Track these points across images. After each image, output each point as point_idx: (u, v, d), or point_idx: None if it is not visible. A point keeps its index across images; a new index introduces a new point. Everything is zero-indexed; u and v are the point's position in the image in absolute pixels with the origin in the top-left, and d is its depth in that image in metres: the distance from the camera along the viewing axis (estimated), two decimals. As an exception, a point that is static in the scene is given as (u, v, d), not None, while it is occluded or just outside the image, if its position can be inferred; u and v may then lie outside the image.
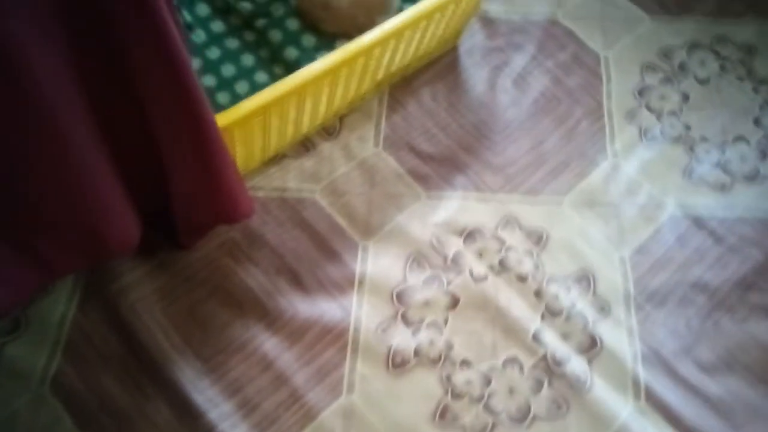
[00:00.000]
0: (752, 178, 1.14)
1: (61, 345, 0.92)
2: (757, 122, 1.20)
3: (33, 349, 0.91)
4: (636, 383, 0.96)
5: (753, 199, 1.12)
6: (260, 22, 1.17)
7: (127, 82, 0.66)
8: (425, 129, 1.15)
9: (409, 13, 0.98)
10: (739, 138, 1.18)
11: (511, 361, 0.97)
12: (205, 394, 0.90)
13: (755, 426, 0.93)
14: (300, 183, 1.08)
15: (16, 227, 0.73)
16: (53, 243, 0.78)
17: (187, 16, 1.17)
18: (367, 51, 0.95)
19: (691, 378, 0.96)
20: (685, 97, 1.23)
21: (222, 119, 0.82)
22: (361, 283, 1.01)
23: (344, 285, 1.00)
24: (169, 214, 0.92)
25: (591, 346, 0.98)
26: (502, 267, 1.04)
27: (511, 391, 0.95)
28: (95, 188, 0.75)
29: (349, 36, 1.15)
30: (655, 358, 0.97)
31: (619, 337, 0.99)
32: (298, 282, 0.99)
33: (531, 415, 0.93)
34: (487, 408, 0.93)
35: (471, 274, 1.03)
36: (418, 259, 1.04)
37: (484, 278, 1.03)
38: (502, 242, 1.06)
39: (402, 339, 0.97)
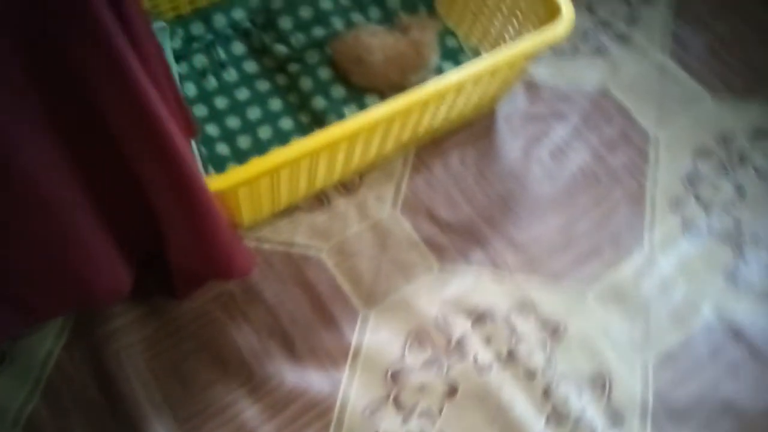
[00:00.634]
0: (807, 291, 1.02)
1: (42, 385, 0.90)
2: (820, 228, 1.08)
3: (14, 384, 0.90)
4: None
5: (805, 316, 1.00)
6: (293, 67, 1.14)
7: (112, 147, 0.63)
8: (448, 195, 1.09)
9: (444, 80, 0.90)
10: (797, 244, 1.06)
11: (505, 466, 0.89)
12: (176, 457, 0.87)
13: None
14: (308, 239, 1.03)
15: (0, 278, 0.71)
16: (38, 291, 0.76)
17: (222, 54, 1.15)
18: (388, 120, 0.89)
19: None
20: (741, 191, 1.12)
21: (222, 181, 0.78)
22: (355, 356, 0.95)
23: (337, 356, 0.95)
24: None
25: (596, 463, 0.89)
26: (510, 357, 0.96)
27: (500, 501, 0.87)
28: (82, 244, 0.73)
29: (380, 92, 1.12)
30: (667, 487, 0.87)
31: (630, 456, 0.89)
32: (289, 347, 0.94)
33: None
34: None
35: (475, 361, 0.95)
36: (420, 337, 0.97)
37: (489, 368, 0.95)
38: (513, 329, 0.98)
39: (390, 425, 0.90)
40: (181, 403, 0.89)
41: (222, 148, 1.08)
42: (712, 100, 1.22)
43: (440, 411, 0.92)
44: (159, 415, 0.88)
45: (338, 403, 0.91)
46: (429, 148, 1.13)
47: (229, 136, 1.10)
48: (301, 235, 1.04)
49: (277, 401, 0.91)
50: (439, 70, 1.15)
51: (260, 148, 1.09)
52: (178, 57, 1.14)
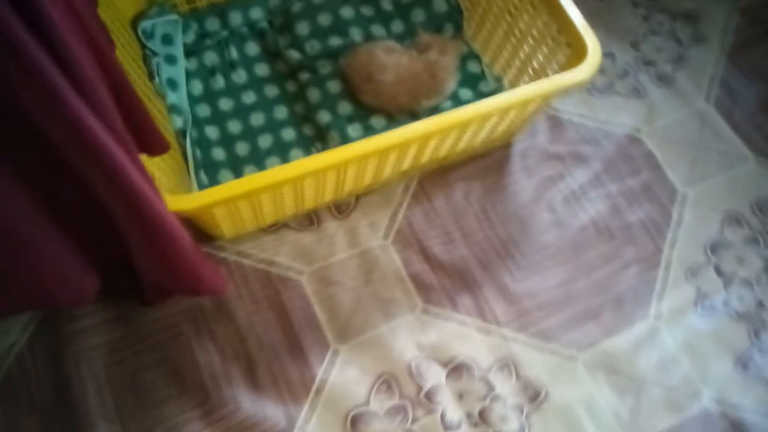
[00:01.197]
0: (826, 393, 0.92)
1: (0, 378, 0.89)
2: None
3: (-27, 372, 0.89)
4: None
5: (819, 420, 0.90)
6: (304, 76, 1.09)
7: (66, 169, 0.60)
8: (445, 231, 1.02)
9: (445, 118, 0.81)
10: (824, 337, 0.96)
11: None
12: (119, 471, 0.84)
13: None
14: (291, 260, 0.99)
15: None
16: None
17: (234, 53, 1.11)
18: (383, 152, 0.83)
19: None
20: (769, 268, 1.01)
21: (186, 203, 0.74)
22: (318, 391, 0.90)
23: (299, 389, 0.90)
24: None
25: None
26: (481, 419, 0.89)
27: None
28: (36, 251, 0.71)
29: (388, 113, 1.06)
30: None
31: None
32: (251, 373, 0.91)
33: None
34: None
35: (442, 418, 0.89)
36: (389, 381, 0.92)
37: (457, 427, 0.89)
38: (490, 388, 0.92)
39: (342, 471, 0.86)
40: (132, 416, 0.87)
41: (218, 153, 1.04)
42: (755, 161, 1.10)
43: (397, 464, 0.87)
44: (108, 425, 0.85)
45: (291, 441, 0.87)
46: (433, 177, 1.06)
47: (227, 141, 1.06)
48: (284, 255, 0.99)
49: (229, 428, 0.87)
50: (456, 97, 1.08)
51: (257, 157, 1.05)
52: (189, 52, 1.10)
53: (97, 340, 0.91)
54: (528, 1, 0.96)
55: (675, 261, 1.01)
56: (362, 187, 1.01)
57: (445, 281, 0.99)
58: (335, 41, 1.10)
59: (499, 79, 1.09)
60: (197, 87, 1.09)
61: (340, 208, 1.03)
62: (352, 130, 1.04)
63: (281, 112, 1.09)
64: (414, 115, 1.05)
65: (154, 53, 1.04)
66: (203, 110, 1.07)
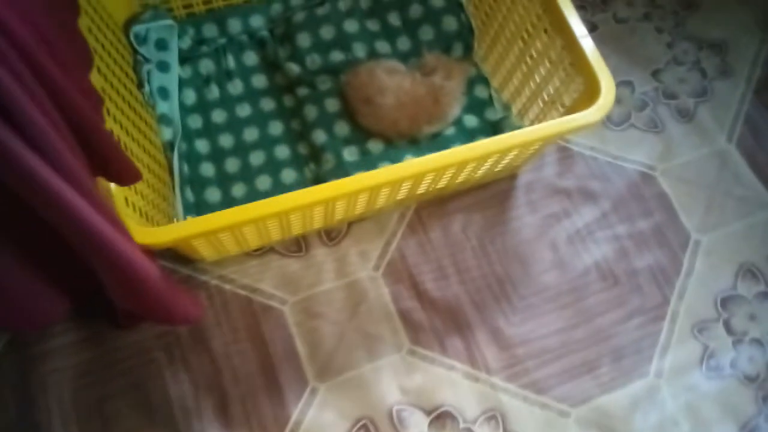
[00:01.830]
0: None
1: (-38, 394, 0.85)
2: None
3: (-63, 387, 0.86)
4: None
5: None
6: (302, 91, 1.04)
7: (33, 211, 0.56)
8: (440, 266, 0.97)
9: (449, 155, 0.75)
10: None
11: None
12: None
13: None
14: (274, 287, 0.94)
15: None
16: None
17: (231, 62, 1.06)
18: (373, 189, 0.77)
19: None
20: (783, 328, 0.95)
21: (160, 236, 0.69)
22: (292, 432, 0.86)
23: (272, 430, 0.86)
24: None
25: None
26: (461, 472, 0.85)
27: None
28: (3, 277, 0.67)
29: (386, 138, 1.00)
30: None
31: None
32: (223, 408, 0.86)
33: None
34: None
35: (421, 469, 0.85)
36: (368, 426, 0.87)
37: (436, 479, 0.84)
38: (475, 439, 0.87)
39: None
40: (95, 447, 0.83)
41: (207, 169, 0.99)
42: (777, 208, 1.04)
43: None
44: (67, 457, 0.82)
45: (260, 484, 0.83)
46: (431, 207, 1.01)
47: (218, 156, 1.01)
48: (268, 282, 0.94)
49: (196, 467, 0.83)
50: (460, 123, 1.02)
51: (248, 175, 1.00)
52: (184, 59, 1.05)
53: (68, 361, 0.87)
54: (541, 27, 0.89)
55: (682, 314, 0.95)
56: (354, 216, 0.95)
57: (436, 320, 0.93)
58: (337, 56, 1.04)
59: (507, 107, 1.03)
60: (190, 96, 1.04)
61: (331, 234, 0.98)
62: (348, 153, 0.99)
63: (276, 128, 1.03)
64: (414, 141, 1.00)
65: (146, 60, 0.99)
66: (195, 121, 1.02)
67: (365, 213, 0.97)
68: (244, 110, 1.04)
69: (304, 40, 1.04)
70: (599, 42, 0.82)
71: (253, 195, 0.98)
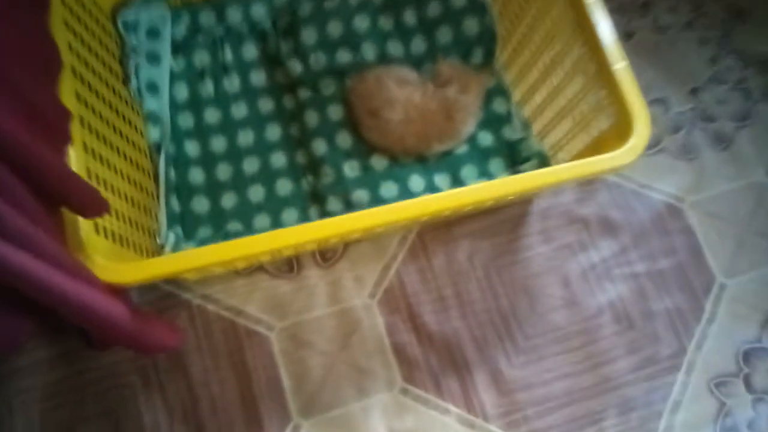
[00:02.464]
0: None
1: (-76, 411, 0.80)
2: None
3: None
4: None
5: None
6: (304, 93, 0.95)
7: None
8: (440, 297, 0.90)
9: (441, 199, 0.67)
10: None
11: None
12: None
13: None
14: (261, 311, 0.87)
15: None
16: None
17: (229, 55, 0.97)
18: (379, 226, 0.69)
19: None
20: (809, 390, 0.87)
21: (129, 274, 0.62)
22: (271, 471, 0.81)
23: (250, 467, 0.81)
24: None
25: None
26: None
27: None
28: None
29: (392, 155, 0.91)
30: None
31: None
32: (199, 441, 0.81)
33: None
34: None
35: None
36: (352, 469, 0.82)
37: None
38: (465, 491, 0.81)
39: None
40: (62, 476, 0.79)
41: (196, 175, 0.92)
42: (814, 253, 0.95)
43: None
44: (31, 487, 0.77)
45: None
46: (436, 231, 0.93)
47: (208, 161, 0.93)
48: (254, 304, 0.88)
49: (166, 504, 0.78)
50: (473, 140, 0.93)
51: (240, 184, 0.92)
52: (177, 49, 0.96)
53: (37, 381, 0.82)
54: (575, 40, 0.78)
55: (699, 366, 0.88)
56: (351, 240, 0.88)
57: (432, 357, 0.87)
58: (344, 56, 0.95)
59: (526, 126, 0.93)
60: (182, 91, 0.95)
61: (325, 255, 0.91)
62: (349, 168, 0.91)
63: (273, 133, 0.95)
64: (421, 159, 0.91)
65: (135, 51, 0.90)
66: (186, 120, 0.94)
67: (364, 236, 0.89)
68: (239, 110, 0.96)
69: (309, 35, 0.95)
70: (634, 53, 0.73)
71: (245, 206, 0.91)
